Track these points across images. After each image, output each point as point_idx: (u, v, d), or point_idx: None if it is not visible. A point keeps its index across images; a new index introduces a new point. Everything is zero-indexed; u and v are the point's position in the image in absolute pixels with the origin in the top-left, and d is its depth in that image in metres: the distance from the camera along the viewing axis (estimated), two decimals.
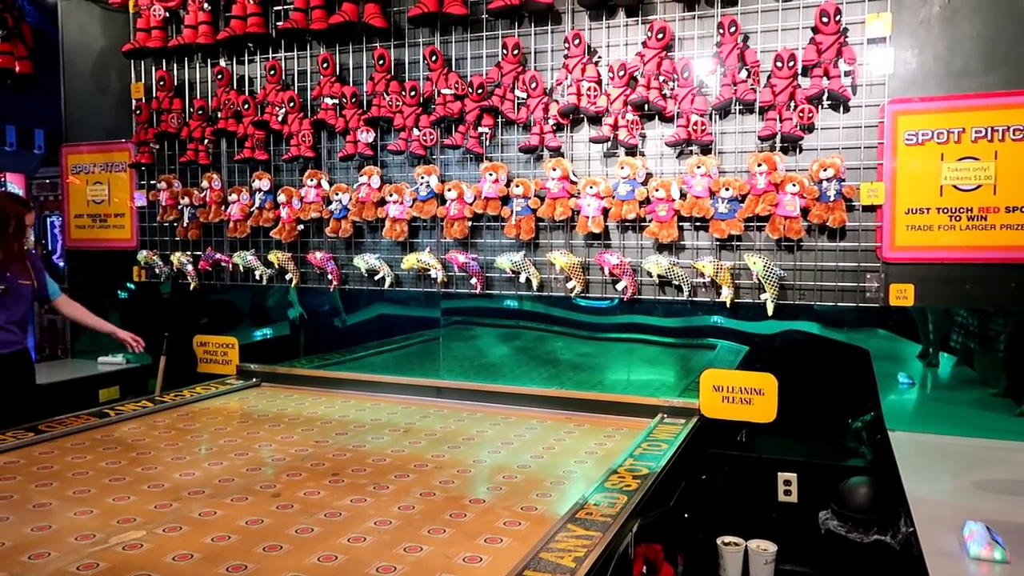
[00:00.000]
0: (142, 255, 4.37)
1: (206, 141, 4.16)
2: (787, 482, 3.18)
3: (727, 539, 3.22)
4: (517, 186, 3.46)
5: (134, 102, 4.36)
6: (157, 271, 4.35)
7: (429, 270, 3.69)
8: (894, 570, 2.67)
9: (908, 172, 2.96)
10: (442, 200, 3.64)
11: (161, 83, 4.24)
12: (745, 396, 3.10)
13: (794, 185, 3.03)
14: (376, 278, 3.83)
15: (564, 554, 1.80)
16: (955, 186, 2.91)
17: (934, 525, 1.96)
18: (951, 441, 2.75)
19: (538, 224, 3.50)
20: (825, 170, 2.99)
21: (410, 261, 3.70)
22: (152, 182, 4.36)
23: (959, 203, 2.90)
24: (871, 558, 2.75)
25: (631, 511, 2.11)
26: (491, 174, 3.50)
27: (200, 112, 4.15)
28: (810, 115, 3.03)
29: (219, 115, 4.10)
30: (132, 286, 4.49)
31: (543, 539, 1.89)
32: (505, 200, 3.53)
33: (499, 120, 3.55)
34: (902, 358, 3.10)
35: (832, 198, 3.00)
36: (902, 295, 2.98)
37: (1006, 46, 2.86)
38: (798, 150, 3.11)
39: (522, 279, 3.52)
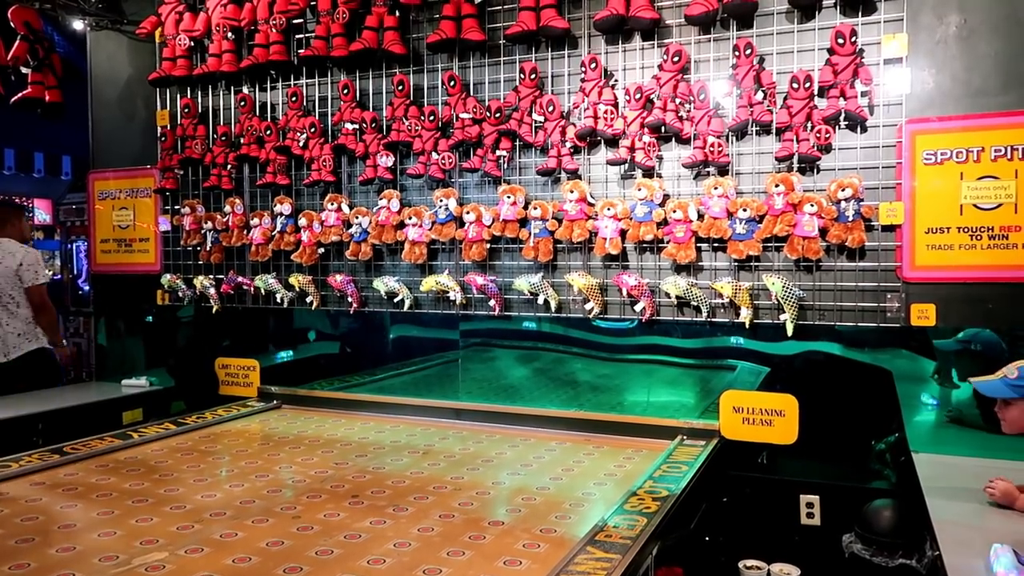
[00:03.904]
0: (166, 279, 4.44)
1: (229, 167, 4.23)
2: (810, 504, 3.15)
3: (749, 563, 3.18)
4: (535, 208, 3.48)
5: (159, 129, 4.45)
6: (180, 294, 4.41)
7: (448, 292, 3.71)
8: None
9: (927, 191, 2.95)
10: (460, 223, 3.67)
11: (186, 110, 4.32)
12: (766, 417, 3.08)
13: (812, 205, 3.03)
14: (395, 300, 3.86)
15: None
16: (975, 205, 2.89)
17: (960, 548, 1.94)
18: (976, 463, 2.71)
19: (556, 246, 3.52)
20: (843, 190, 2.98)
21: (429, 283, 3.72)
22: (176, 207, 4.43)
23: (980, 222, 2.89)
24: None
25: (651, 533, 2.09)
26: (509, 196, 3.52)
27: (223, 138, 4.22)
28: (827, 135, 3.03)
29: (242, 141, 4.17)
30: (153, 313, 4.56)
31: (562, 561, 1.89)
32: (523, 222, 3.55)
33: (517, 143, 3.58)
34: (926, 379, 3.06)
35: (851, 218, 2.99)
36: (923, 315, 2.96)
37: None
38: (816, 170, 3.11)
39: (540, 300, 3.54)
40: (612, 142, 3.38)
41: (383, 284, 3.85)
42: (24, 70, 4.39)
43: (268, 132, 4.09)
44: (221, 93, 4.34)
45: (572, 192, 3.40)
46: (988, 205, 2.88)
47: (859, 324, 3.06)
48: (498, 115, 3.54)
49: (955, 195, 2.91)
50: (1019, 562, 1.76)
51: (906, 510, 2.79)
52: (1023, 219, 2.83)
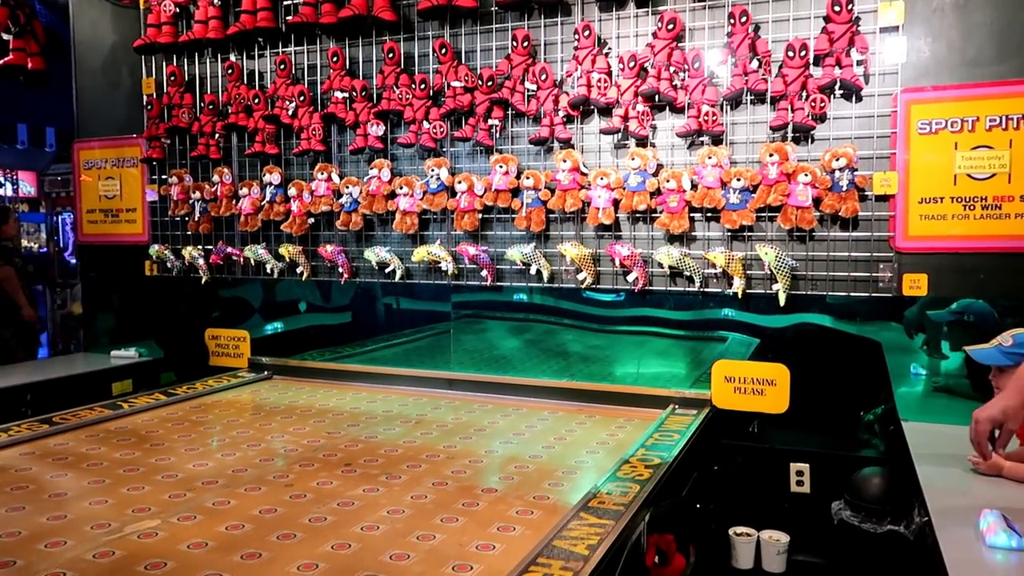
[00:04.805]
0: (154, 249, 4.39)
1: (217, 136, 4.17)
2: (799, 472, 3.17)
3: (739, 530, 3.21)
4: (527, 178, 3.45)
5: (145, 97, 4.38)
6: (169, 265, 4.37)
7: (440, 263, 3.69)
8: (907, 560, 2.66)
9: (921, 161, 2.94)
10: (452, 193, 3.64)
11: (172, 78, 4.25)
12: (757, 387, 3.09)
13: (806, 175, 3.02)
14: (387, 271, 3.84)
15: (577, 542, 1.80)
16: (969, 175, 2.89)
17: (949, 514, 1.95)
18: (965, 431, 2.72)
19: (548, 216, 3.50)
20: (837, 160, 2.97)
21: (420, 254, 3.70)
22: (163, 177, 4.38)
23: (973, 192, 2.88)
24: (884, 548, 2.74)
25: (644, 500, 2.10)
26: (501, 166, 3.49)
27: (211, 107, 4.16)
28: (822, 105, 3.01)
29: (230, 110, 4.11)
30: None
31: (556, 527, 1.90)
32: (515, 192, 3.52)
33: (509, 112, 3.55)
34: (915, 350, 3.08)
35: (845, 188, 2.98)
36: (915, 285, 2.96)
37: (1020, 34, 2.83)
38: (810, 140, 3.09)
39: (532, 271, 3.52)
40: (605, 111, 3.35)
41: (374, 254, 3.82)
42: (5, 36, 4.31)
43: (256, 101, 4.02)
44: (208, 61, 4.26)
45: (565, 162, 3.37)
46: (982, 175, 2.87)
47: (851, 294, 3.07)
48: (490, 83, 3.50)
49: (949, 165, 2.90)
50: (1008, 526, 1.78)
51: (894, 478, 2.82)
52: (1016, 189, 2.83)
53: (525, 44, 3.43)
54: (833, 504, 2.92)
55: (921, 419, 2.87)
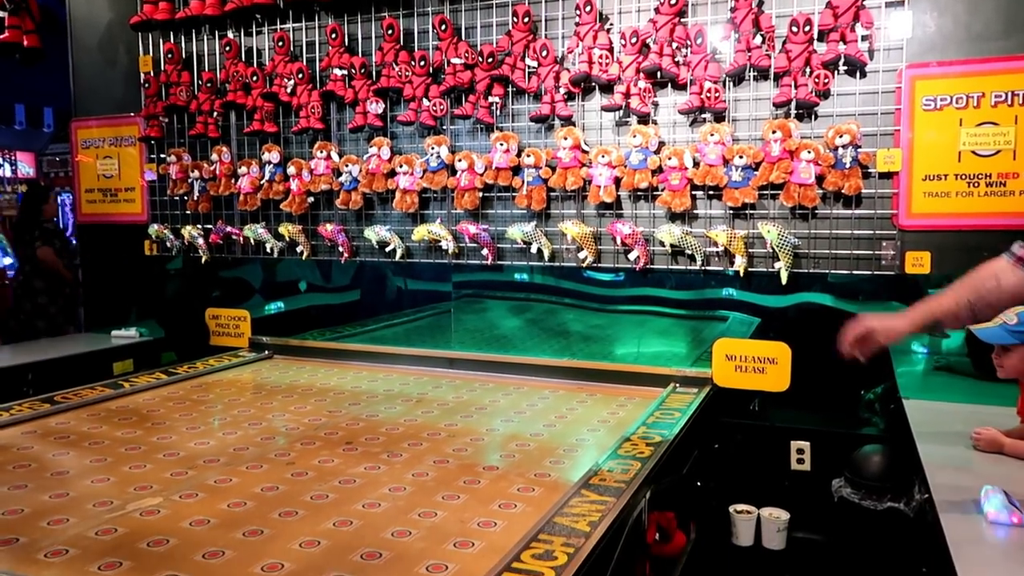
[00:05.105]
0: (153, 229, 4.38)
1: (215, 114, 4.14)
2: (800, 450, 3.18)
3: (740, 507, 3.22)
4: (528, 156, 3.43)
5: (142, 75, 4.34)
6: (168, 245, 4.35)
7: (440, 241, 3.67)
8: (907, 537, 2.67)
9: (926, 138, 2.91)
10: (452, 171, 3.62)
11: (169, 56, 4.21)
12: (758, 365, 3.09)
13: (809, 152, 2.99)
14: (387, 250, 3.83)
15: (579, 518, 1.81)
16: (974, 152, 2.86)
17: (950, 491, 1.95)
18: (965, 409, 2.73)
19: (549, 194, 3.48)
20: (841, 136, 2.95)
21: (421, 232, 3.68)
22: (162, 156, 4.35)
23: (978, 169, 2.86)
24: (884, 525, 2.75)
25: (644, 478, 2.11)
26: (502, 144, 3.47)
27: (209, 85, 4.13)
28: (826, 81, 2.98)
29: (228, 87, 4.08)
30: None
31: (557, 504, 1.90)
32: (516, 170, 3.50)
33: (509, 89, 3.51)
34: None
35: (848, 165, 2.96)
36: (918, 263, 2.95)
37: None
38: (813, 116, 3.07)
39: (533, 250, 3.51)
40: (607, 88, 3.32)
41: (374, 233, 3.80)
42: (0, 14, 4.26)
43: (255, 78, 3.99)
44: (205, 38, 4.22)
45: (566, 139, 3.34)
46: (986, 152, 2.85)
47: (853, 272, 3.05)
48: (490, 60, 3.46)
49: (954, 142, 2.88)
50: (1010, 503, 1.78)
51: (895, 455, 2.82)
52: (1021, 166, 2.81)
53: (526, 20, 3.39)
54: (833, 482, 2.92)
55: (922, 397, 2.87)
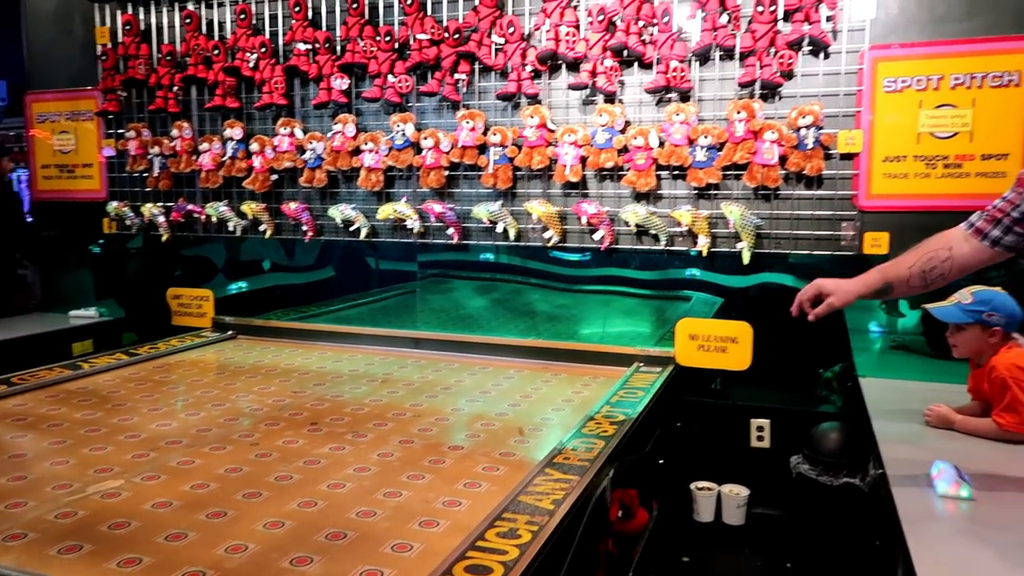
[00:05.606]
0: (112, 206, 4.28)
1: (175, 88, 4.05)
2: (760, 428, 3.24)
3: (701, 484, 3.28)
4: (494, 134, 3.41)
5: (99, 48, 4.21)
6: (128, 223, 4.26)
7: (405, 220, 3.65)
8: (862, 511, 2.74)
9: (886, 119, 2.95)
10: (418, 149, 3.59)
11: (127, 28, 4.10)
12: (720, 344, 3.13)
13: (773, 133, 3.02)
14: (351, 229, 3.79)
15: (542, 497, 1.82)
16: (932, 133, 2.91)
17: (903, 466, 2.01)
18: (920, 386, 2.80)
19: (515, 173, 3.47)
20: (804, 117, 2.98)
21: (386, 211, 3.65)
22: (120, 131, 4.24)
23: (935, 151, 2.91)
24: (840, 500, 2.82)
25: (608, 456, 2.13)
26: (468, 122, 3.44)
27: (168, 58, 4.03)
28: (790, 61, 3.00)
29: (188, 61, 3.98)
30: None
31: (522, 483, 1.91)
32: (482, 149, 3.48)
33: (476, 66, 3.48)
34: (873, 308, 3.14)
35: (810, 146, 2.99)
36: (877, 243, 3.00)
37: None
38: (777, 97, 3.09)
39: (499, 229, 3.50)
40: (573, 66, 3.31)
41: (339, 212, 3.76)
42: None
43: (216, 52, 3.90)
44: (165, 10, 4.10)
45: (532, 118, 3.33)
46: (944, 134, 2.90)
47: (814, 252, 3.10)
48: (457, 36, 3.43)
49: (913, 123, 2.92)
50: (960, 477, 1.83)
51: (851, 432, 2.89)
52: (977, 148, 2.86)
53: None
54: (792, 458, 2.99)
55: (878, 375, 2.93)
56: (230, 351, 3.65)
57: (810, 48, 3.02)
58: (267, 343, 3.78)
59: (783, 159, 3.05)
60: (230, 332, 3.90)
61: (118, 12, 4.16)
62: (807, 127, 2.98)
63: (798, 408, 3.20)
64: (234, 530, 1.74)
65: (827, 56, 3.02)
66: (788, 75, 3.04)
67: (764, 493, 3.23)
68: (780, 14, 3.01)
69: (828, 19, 2.96)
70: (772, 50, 3.02)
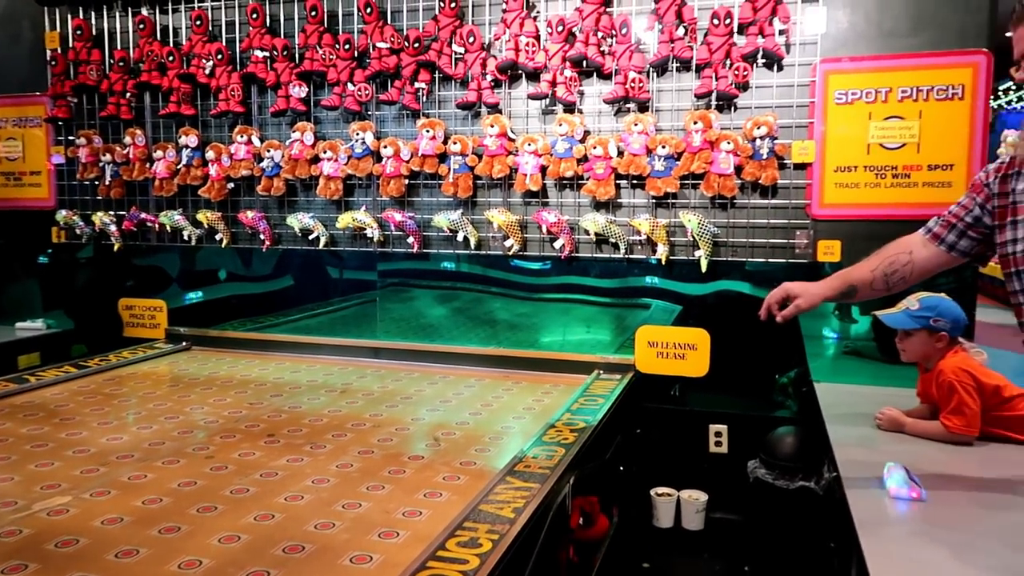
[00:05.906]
0: (61, 215, 4.17)
1: (128, 95, 3.97)
2: (718, 434, 3.28)
3: (660, 490, 3.31)
4: (454, 143, 3.41)
5: (49, 52, 4.11)
6: (78, 232, 4.16)
7: (365, 229, 3.62)
8: (817, 514, 2.79)
9: (837, 131, 3.03)
10: (378, 157, 3.57)
11: (78, 32, 4.01)
12: (679, 351, 3.16)
13: (729, 143, 3.07)
14: (310, 238, 3.75)
15: (503, 505, 1.82)
16: (881, 144, 2.99)
17: (856, 468, 2.04)
18: (872, 391, 2.86)
19: (476, 182, 3.47)
20: (759, 128, 3.03)
21: (345, 220, 3.62)
22: (70, 138, 4.14)
23: (885, 161, 2.99)
24: (796, 503, 2.86)
25: (568, 463, 2.13)
26: (428, 131, 3.44)
27: (121, 64, 3.95)
28: (745, 73, 3.06)
29: (142, 67, 3.91)
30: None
31: (482, 492, 1.91)
32: (442, 158, 3.48)
33: (436, 75, 3.48)
34: (827, 314, 3.20)
35: (765, 156, 3.05)
36: (829, 251, 3.07)
37: (932, 7, 2.93)
38: (733, 108, 3.15)
39: (460, 238, 3.50)
40: (533, 76, 3.33)
41: (297, 221, 3.72)
42: None
43: (171, 58, 3.84)
44: (117, 15, 4.03)
45: (492, 127, 3.34)
46: (893, 144, 2.98)
47: (769, 260, 3.16)
48: (417, 45, 3.42)
49: (863, 135, 3.00)
50: (910, 478, 1.88)
51: (806, 436, 2.94)
52: (924, 158, 2.95)
53: (453, 5, 3.36)
54: (749, 463, 3.03)
55: (832, 380, 2.99)
56: (184, 363, 3.58)
57: (764, 61, 3.09)
58: (223, 354, 3.71)
59: (739, 169, 3.10)
60: (184, 343, 3.82)
61: (69, 16, 4.07)
62: (762, 137, 3.04)
63: (755, 413, 3.25)
64: (188, 545, 1.70)
65: (780, 69, 3.08)
66: (743, 87, 3.10)
67: (722, 498, 3.27)
68: (735, 27, 3.07)
69: (781, 33, 3.03)
70: (728, 62, 3.08)
